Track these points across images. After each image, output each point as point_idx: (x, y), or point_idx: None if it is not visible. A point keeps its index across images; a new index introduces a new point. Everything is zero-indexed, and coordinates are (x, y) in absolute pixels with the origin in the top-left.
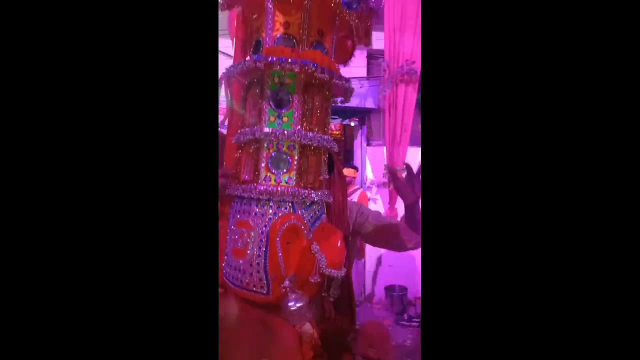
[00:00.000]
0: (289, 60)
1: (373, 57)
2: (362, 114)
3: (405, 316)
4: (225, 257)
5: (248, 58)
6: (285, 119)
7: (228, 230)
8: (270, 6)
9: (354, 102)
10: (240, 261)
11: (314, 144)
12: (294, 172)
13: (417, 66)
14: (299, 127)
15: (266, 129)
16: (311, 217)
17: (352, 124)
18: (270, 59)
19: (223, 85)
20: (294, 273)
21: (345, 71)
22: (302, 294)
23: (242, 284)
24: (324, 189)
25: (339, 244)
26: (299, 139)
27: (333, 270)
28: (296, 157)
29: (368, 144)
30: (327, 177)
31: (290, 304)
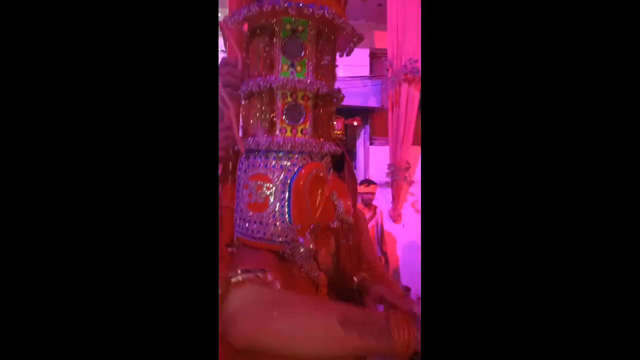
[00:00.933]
0: (305, 4)
1: (376, 56)
2: (365, 113)
3: None
4: (238, 214)
5: (255, 4)
6: (299, 68)
7: (237, 187)
8: None
9: (356, 101)
10: (263, 214)
11: (329, 93)
12: (309, 123)
13: (420, 65)
14: (313, 76)
15: (281, 78)
16: (326, 167)
17: (355, 123)
18: (284, 3)
19: (221, 36)
20: (317, 222)
21: (348, 70)
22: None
23: (265, 235)
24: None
25: (347, 193)
26: (315, 89)
27: (349, 217)
28: (311, 108)
29: (371, 143)
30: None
31: (302, 249)
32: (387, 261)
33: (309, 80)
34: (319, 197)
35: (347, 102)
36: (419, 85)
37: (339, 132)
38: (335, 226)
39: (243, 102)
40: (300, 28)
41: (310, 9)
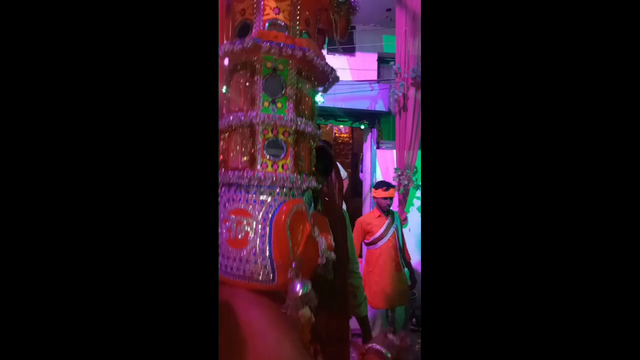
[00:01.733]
0: (286, 45)
1: (384, 60)
2: (372, 117)
3: (414, 320)
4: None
5: (237, 41)
6: (279, 104)
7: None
8: None
9: (364, 105)
10: (242, 251)
11: (308, 130)
12: (290, 159)
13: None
14: (293, 113)
15: (262, 115)
16: (307, 203)
17: (362, 126)
18: (265, 42)
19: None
20: (299, 258)
21: (356, 74)
22: (305, 278)
23: (245, 274)
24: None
25: (328, 228)
26: (295, 126)
27: (331, 253)
28: (291, 144)
29: (378, 147)
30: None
31: (297, 288)
32: (413, 282)
33: (289, 117)
34: (300, 234)
35: (355, 105)
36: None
37: (345, 136)
38: (321, 262)
39: (222, 136)
40: (280, 67)
41: (291, 50)
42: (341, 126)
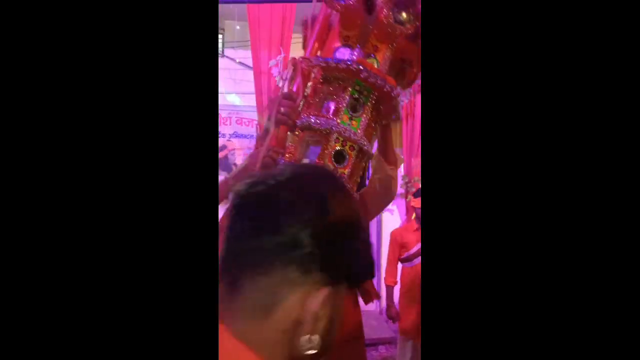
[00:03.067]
0: (379, 77)
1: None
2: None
3: None
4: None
5: (338, 59)
6: (354, 122)
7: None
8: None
9: None
10: None
11: (366, 150)
12: (348, 170)
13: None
14: (362, 132)
15: (340, 125)
16: None
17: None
18: (364, 70)
19: (291, 70)
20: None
21: None
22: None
23: None
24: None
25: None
26: (361, 144)
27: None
28: (353, 158)
29: None
30: None
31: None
32: None
33: (360, 134)
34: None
35: None
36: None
37: None
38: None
39: (296, 132)
40: (365, 92)
41: (381, 83)
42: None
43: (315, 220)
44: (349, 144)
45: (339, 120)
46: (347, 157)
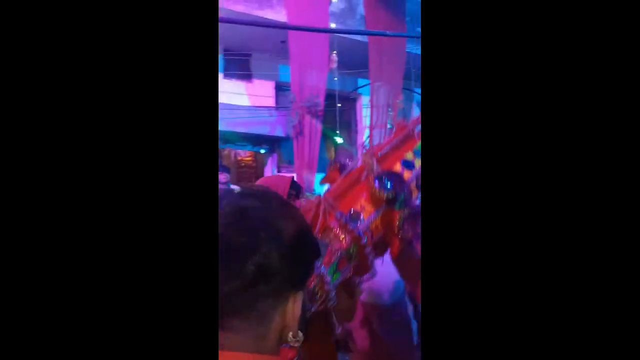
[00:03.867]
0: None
1: (281, 88)
2: (272, 142)
3: None
4: None
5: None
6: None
7: None
8: None
9: (264, 130)
10: None
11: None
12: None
13: (321, 100)
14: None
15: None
16: None
17: (262, 150)
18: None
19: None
20: None
21: (255, 100)
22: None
23: None
24: None
25: None
26: (330, 298)
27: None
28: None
29: (279, 170)
30: None
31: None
32: None
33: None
34: None
35: (256, 131)
36: (321, 118)
37: (248, 159)
38: None
39: None
40: (354, 257)
41: (364, 240)
42: (240, 150)
43: (278, 245)
44: (320, 291)
45: (327, 269)
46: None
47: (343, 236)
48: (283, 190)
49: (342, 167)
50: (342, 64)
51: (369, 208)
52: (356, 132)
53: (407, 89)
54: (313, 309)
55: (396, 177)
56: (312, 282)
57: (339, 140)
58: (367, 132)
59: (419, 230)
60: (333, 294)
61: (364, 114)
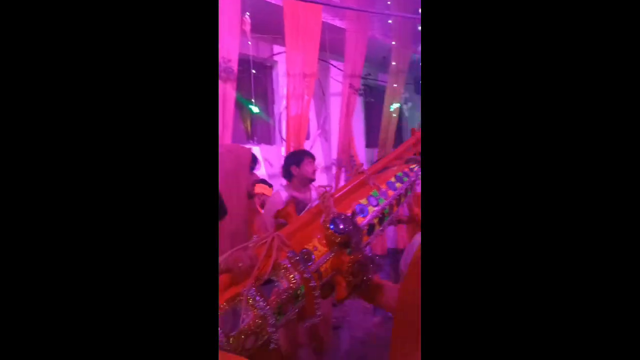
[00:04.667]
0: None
1: None
2: None
3: None
4: None
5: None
6: (279, 317)
7: None
8: None
9: None
10: None
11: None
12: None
13: (234, 64)
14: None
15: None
16: None
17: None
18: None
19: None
20: None
21: None
22: None
23: None
24: None
25: None
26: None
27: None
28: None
29: None
30: None
31: None
32: None
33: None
34: None
35: None
36: (234, 84)
37: None
38: None
39: None
40: (300, 299)
41: (313, 282)
42: None
43: None
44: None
45: (273, 310)
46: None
47: (292, 275)
48: (245, 162)
49: (298, 205)
50: (256, 28)
51: (321, 249)
52: (273, 102)
53: (322, 60)
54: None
55: (351, 222)
56: (254, 322)
57: (255, 109)
58: (284, 102)
59: (369, 275)
60: (276, 336)
61: (280, 83)
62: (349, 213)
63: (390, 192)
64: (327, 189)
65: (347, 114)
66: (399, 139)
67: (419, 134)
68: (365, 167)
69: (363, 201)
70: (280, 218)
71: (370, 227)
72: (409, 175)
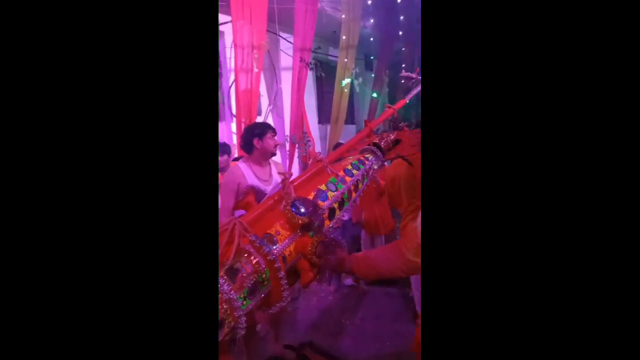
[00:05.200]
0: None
1: None
2: None
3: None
4: None
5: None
6: (245, 302)
7: None
8: None
9: None
10: None
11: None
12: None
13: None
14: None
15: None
16: None
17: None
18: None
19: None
20: None
21: None
22: None
23: None
24: None
25: None
26: (238, 325)
27: None
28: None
29: None
30: None
31: None
32: None
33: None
34: None
35: None
36: None
37: None
38: None
39: None
40: (266, 284)
41: (277, 264)
42: None
43: None
44: (229, 318)
45: (237, 294)
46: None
47: (257, 260)
48: None
49: (257, 194)
50: None
51: (284, 233)
52: (221, 75)
53: (271, 32)
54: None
55: (312, 205)
56: (221, 308)
57: None
58: (232, 76)
59: (333, 256)
60: (243, 321)
61: (228, 55)
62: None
63: (348, 179)
64: (287, 175)
65: (299, 89)
66: (350, 115)
67: (372, 124)
68: (318, 146)
69: (322, 187)
70: (241, 208)
71: (331, 212)
72: (365, 163)
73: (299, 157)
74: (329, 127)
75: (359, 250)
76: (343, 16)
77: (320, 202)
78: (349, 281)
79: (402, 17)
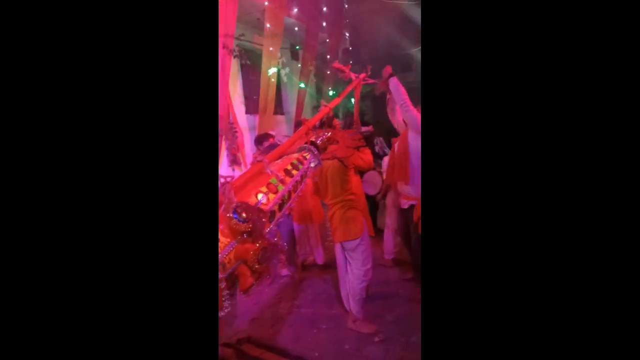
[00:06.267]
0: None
1: None
2: None
3: None
4: None
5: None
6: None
7: None
8: None
9: None
10: None
11: None
12: None
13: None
14: None
15: None
16: None
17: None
18: None
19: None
20: None
21: None
22: None
23: None
24: None
25: None
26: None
27: None
28: None
29: None
30: None
31: None
32: None
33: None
34: None
35: None
36: None
37: None
38: None
39: None
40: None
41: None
42: None
43: None
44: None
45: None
46: None
47: None
48: None
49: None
50: None
51: (223, 240)
52: None
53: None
54: None
55: (253, 210)
56: None
57: None
58: None
59: (274, 261)
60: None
61: None
62: (249, 201)
63: (288, 179)
64: (228, 179)
65: (224, 77)
66: (279, 105)
67: (309, 123)
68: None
69: (263, 189)
70: None
71: (272, 214)
72: (303, 162)
73: (227, 149)
74: (256, 117)
75: (294, 241)
76: (266, 3)
77: (262, 205)
78: (284, 272)
79: (324, 8)
